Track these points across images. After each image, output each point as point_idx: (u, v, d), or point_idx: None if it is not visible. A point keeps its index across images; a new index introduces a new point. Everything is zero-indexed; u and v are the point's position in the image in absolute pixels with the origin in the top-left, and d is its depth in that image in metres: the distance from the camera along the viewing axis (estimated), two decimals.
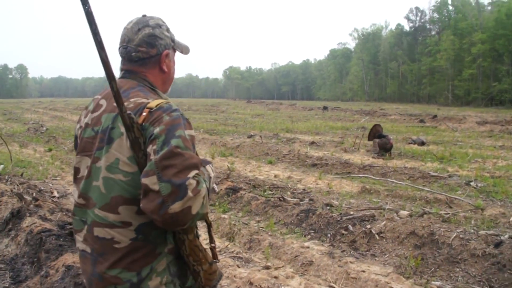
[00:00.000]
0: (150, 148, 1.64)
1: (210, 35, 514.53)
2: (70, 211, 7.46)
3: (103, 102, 1.92)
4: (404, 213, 6.35)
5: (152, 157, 1.61)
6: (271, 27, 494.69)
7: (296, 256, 5.16)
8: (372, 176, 9.18)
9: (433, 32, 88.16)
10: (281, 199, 7.37)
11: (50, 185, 9.58)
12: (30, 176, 10.31)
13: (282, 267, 5.06)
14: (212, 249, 1.95)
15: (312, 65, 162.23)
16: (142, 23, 1.95)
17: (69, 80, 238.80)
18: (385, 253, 5.17)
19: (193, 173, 1.60)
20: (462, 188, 8.58)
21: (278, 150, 13.37)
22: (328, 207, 7.03)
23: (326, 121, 29.12)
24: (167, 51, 2.01)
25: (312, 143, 16.16)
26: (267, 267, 5.01)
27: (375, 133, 13.55)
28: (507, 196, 7.88)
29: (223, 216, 6.97)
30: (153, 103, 1.75)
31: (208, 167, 1.95)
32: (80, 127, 1.96)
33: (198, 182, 1.60)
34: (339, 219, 6.09)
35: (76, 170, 1.92)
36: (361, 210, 6.86)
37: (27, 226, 5.47)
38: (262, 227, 6.42)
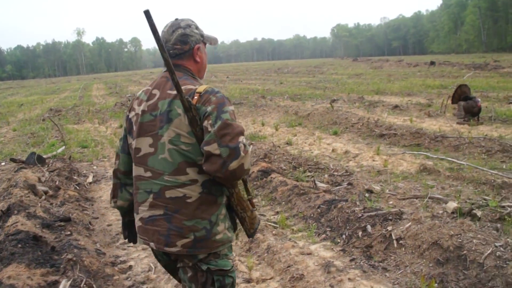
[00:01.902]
0: (206, 123, 2.11)
1: None
2: (89, 199, 7.04)
3: (155, 91, 2.32)
4: (452, 205, 5.08)
5: (210, 129, 2.08)
6: None
7: (288, 266, 4.18)
8: (428, 153, 7.73)
9: None
10: (312, 186, 6.34)
11: (95, 167, 9.27)
12: (82, 158, 10.10)
13: (269, 279, 4.12)
14: (250, 200, 2.41)
15: (424, 17, 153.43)
16: (175, 26, 2.39)
17: None
18: (400, 267, 4.01)
19: (241, 138, 2.10)
20: None
21: (348, 118, 12.10)
22: (366, 194, 5.92)
23: (426, 79, 26.78)
24: (198, 45, 2.43)
25: (396, 107, 14.61)
26: (248, 280, 4.11)
27: (461, 95, 11.75)
28: None
29: None
30: (200, 88, 2.23)
31: None
32: (136, 114, 2.36)
33: (245, 145, 2.10)
34: (360, 215, 4.96)
35: (137, 150, 2.31)
36: (402, 199, 5.67)
37: (8, 226, 5.00)
38: (272, 223, 5.47)
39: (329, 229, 5.08)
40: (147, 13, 1.98)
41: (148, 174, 2.27)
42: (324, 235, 5.00)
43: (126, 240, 2.76)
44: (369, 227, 4.71)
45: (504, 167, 7.13)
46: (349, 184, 6.41)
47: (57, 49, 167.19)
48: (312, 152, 9.11)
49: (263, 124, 12.84)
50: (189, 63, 2.43)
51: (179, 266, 2.33)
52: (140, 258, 4.86)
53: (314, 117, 13.12)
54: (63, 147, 11.09)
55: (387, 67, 47.34)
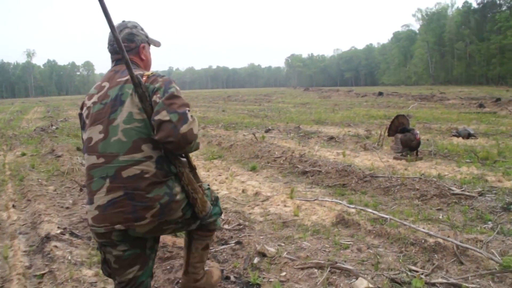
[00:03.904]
0: (155, 97, 2.34)
1: (272, 23, 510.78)
2: None
3: (105, 84, 2.56)
4: (361, 285, 3.55)
5: (159, 100, 2.31)
6: (333, 12, 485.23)
7: None
8: (344, 203, 6.18)
9: (504, 8, 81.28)
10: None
11: None
12: None
13: None
14: (200, 186, 2.56)
15: (375, 49, 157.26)
16: (122, 26, 2.69)
17: None
18: None
19: (188, 108, 2.33)
20: (496, 217, 5.57)
21: (271, 151, 10.57)
22: (256, 259, 4.34)
23: (371, 109, 25.86)
24: (143, 44, 2.74)
25: (331, 138, 13.25)
26: None
27: (398, 126, 10.44)
28: None
29: None
30: (147, 72, 2.51)
31: None
32: (88, 107, 2.54)
33: (191, 115, 2.34)
34: None
35: (89, 140, 2.45)
36: (301, 268, 4.11)
37: None
38: None
39: None
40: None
41: (101, 160, 2.37)
42: None
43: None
44: None
45: (440, 217, 5.70)
46: (238, 243, 4.81)
47: (6, 70, 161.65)
48: (218, 193, 7.49)
49: None
50: (136, 58, 2.68)
51: (162, 233, 2.56)
52: None
53: (236, 149, 11.53)
54: None
55: (335, 96, 46.74)
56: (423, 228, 5.08)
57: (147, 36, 2.76)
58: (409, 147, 9.89)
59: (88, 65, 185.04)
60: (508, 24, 71.08)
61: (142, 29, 2.74)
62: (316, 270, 4.05)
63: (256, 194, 7.26)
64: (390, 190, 6.89)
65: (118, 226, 2.31)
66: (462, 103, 28.31)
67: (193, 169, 2.56)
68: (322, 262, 4.18)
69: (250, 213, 6.19)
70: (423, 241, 4.67)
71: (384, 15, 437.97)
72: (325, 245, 4.85)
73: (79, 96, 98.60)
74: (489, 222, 5.40)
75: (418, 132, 9.95)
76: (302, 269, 4.13)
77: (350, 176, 7.79)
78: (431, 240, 4.67)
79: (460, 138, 12.59)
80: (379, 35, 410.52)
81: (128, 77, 2.41)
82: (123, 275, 2.53)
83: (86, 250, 5.02)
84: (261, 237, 5.08)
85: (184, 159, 2.50)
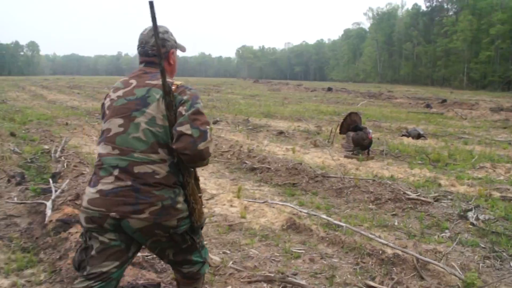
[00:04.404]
0: (181, 108, 2.39)
1: (224, 13, 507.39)
2: None
3: (132, 81, 2.59)
4: None
5: (184, 113, 2.37)
6: (285, 5, 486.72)
7: None
8: (296, 207, 5.76)
9: (451, 12, 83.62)
10: None
11: None
12: None
13: None
14: (200, 197, 2.62)
15: (326, 45, 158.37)
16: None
17: (81, 58, 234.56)
18: None
19: (208, 127, 2.41)
20: (453, 225, 5.30)
21: (218, 144, 10.07)
22: None
23: (320, 104, 25.73)
24: (173, 49, 2.77)
25: (281, 133, 12.87)
26: None
27: (350, 124, 10.14)
28: None
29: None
30: (177, 82, 2.54)
31: None
32: (111, 99, 2.58)
33: (210, 134, 2.41)
34: None
35: (107, 131, 2.49)
36: (248, 282, 3.64)
37: None
38: None
39: None
40: (151, 4, 2.19)
41: (116, 151, 2.42)
42: None
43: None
44: None
45: (396, 223, 5.39)
46: None
47: None
48: None
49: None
50: (165, 63, 2.57)
51: (145, 242, 2.48)
52: None
53: None
54: None
55: (285, 90, 46.55)
56: (380, 236, 4.74)
57: (175, 41, 2.80)
58: (361, 146, 9.62)
59: (33, 46, 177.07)
60: (454, 29, 72.92)
61: (171, 34, 2.79)
62: (265, 285, 3.61)
63: (202, 191, 6.74)
64: (343, 192, 6.54)
65: (113, 214, 2.33)
66: (410, 102, 28.64)
67: (196, 179, 2.62)
68: (272, 275, 3.74)
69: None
70: (380, 251, 4.30)
71: (336, 12, 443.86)
72: (275, 253, 4.41)
73: (22, 77, 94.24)
74: (447, 231, 5.13)
75: (370, 131, 9.69)
76: (250, 282, 3.68)
77: (300, 175, 7.40)
78: (389, 251, 4.31)
79: (410, 138, 12.48)
80: (330, 31, 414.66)
81: (157, 81, 2.49)
82: (97, 266, 2.44)
83: (6, 254, 4.36)
84: (205, 242, 4.58)
85: (192, 169, 2.56)
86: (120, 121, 2.46)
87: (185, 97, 2.43)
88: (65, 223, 4.85)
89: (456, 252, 4.53)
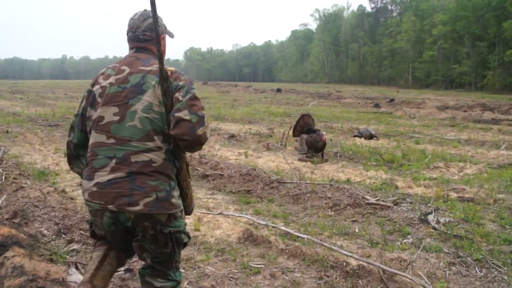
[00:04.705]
0: (178, 94, 2.39)
1: (171, 15, 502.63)
2: None
3: (124, 67, 2.54)
4: None
5: (181, 99, 2.36)
6: (233, 7, 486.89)
7: None
8: (254, 219, 5.44)
9: (395, 13, 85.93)
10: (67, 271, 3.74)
11: None
12: None
13: None
14: (189, 181, 2.65)
15: (273, 46, 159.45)
16: (145, 15, 2.66)
17: (24, 61, 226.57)
18: None
19: (204, 112, 2.41)
20: (414, 229, 5.14)
21: None
22: None
23: (270, 105, 25.59)
24: (163, 35, 2.73)
25: (232, 136, 12.57)
26: None
27: (303, 127, 9.96)
28: (492, 254, 4.48)
29: None
30: (170, 68, 2.47)
31: None
32: (102, 87, 2.52)
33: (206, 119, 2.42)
34: None
35: (100, 119, 2.44)
36: None
37: None
38: None
39: None
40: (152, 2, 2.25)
41: (111, 140, 2.39)
42: None
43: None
44: None
45: (357, 230, 5.18)
46: (128, 270, 3.91)
47: None
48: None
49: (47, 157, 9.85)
50: (155, 49, 2.59)
51: (137, 233, 2.43)
52: None
53: None
54: None
55: (234, 91, 46.35)
56: (342, 246, 4.52)
57: (165, 27, 2.78)
58: (315, 148, 9.44)
59: None
60: (398, 29, 74.84)
61: (161, 20, 2.72)
62: None
63: None
64: (300, 198, 6.30)
65: (110, 207, 2.34)
66: (359, 102, 28.95)
67: (187, 165, 2.62)
68: None
69: None
70: (344, 263, 4.06)
71: (283, 13, 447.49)
72: (233, 269, 4.10)
73: None
74: (409, 236, 4.95)
75: (324, 133, 9.52)
76: None
77: (255, 181, 7.12)
78: (353, 262, 4.08)
79: (363, 139, 12.44)
80: (277, 32, 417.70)
81: (152, 67, 2.49)
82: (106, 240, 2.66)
83: None
84: None
85: (184, 155, 2.56)
86: (115, 109, 2.42)
87: (180, 83, 2.43)
88: (1, 246, 4.38)
89: (421, 259, 4.35)
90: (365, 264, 3.98)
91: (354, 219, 5.54)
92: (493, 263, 4.25)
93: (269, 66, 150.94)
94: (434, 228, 5.08)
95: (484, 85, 54.91)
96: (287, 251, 4.46)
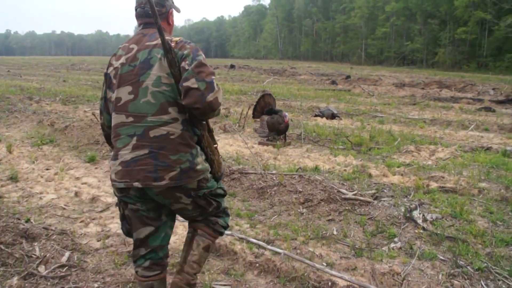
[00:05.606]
0: (184, 63, 2.35)
1: None
2: None
3: (133, 46, 2.53)
4: None
5: (188, 67, 2.32)
6: None
7: None
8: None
9: None
10: None
11: None
12: None
13: None
14: (216, 148, 2.64)
15: (226, 22, 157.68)
16: None
17: None
18: None
19: (214, 77, 2.36)
20: (400, 230, 4.46)
21: None
22: None
23: (225, 83, 24.63)
24: (171, 9, 2.71)
25: None
26: None
27: (264, 107, 9.14)
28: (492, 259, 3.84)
29: None
30: (175, 38, 2.49)
31: None
32: (115, 68, 2.53)
33: (216, 83, 2.37)
34: None
35: (118, 100, 2.46)
36: None
37: None
38: None
39: None
40: None
41: (130, 119, 2.41)
42: None
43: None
44: None
45: (334, 232, 4.45)
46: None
47: None
48: (41, 199, 5.52)
49: None
50: (164, 23, 2.61)
51: (172, 204, 2.49)
52: None
53: (73, 131, 9.34)
54: None
55: None
56: (320, 254, 3.77)
57: (173, 2, 2.75)
58: (277, 130, 8.68)
59: None
60: (352, 6, 74.64)
61: None
62: None
63: (93, 199, 5.45)
64: (266, 192, 5.50)
65: (136, 184, 2.34)
66: (314, 79, 28.38)
67: (210, 131, 2.61)
68: None
69: (82, 234, 4.40)
70: (329, 283, 3.32)
71: None
72: None
73: None
74: (396, 239, 4.26)
75: (286, 114, 8.75)
76: None
77: None
78: (340, 282, 3.34)
79: (324, 119, 11.78)
80: (230, 8, 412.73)
81: (157, 41, 2.45)
82: (138, 233, 2.55)
83: None
84: (96, 284, 3.36)
85: (204, 122, 2.53)
86: (129, 88, 2.44)
87: (185, 52, 2.39)
88: None
89: (415, 270, 3.66)
90: (356, 286, 3.25)
91: (330, 217, 4.81)
92: (497, 273, 3.62)
93: (222, 42, 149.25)
94: (424, 229, 4.42)
95: (435, 62, 55.51)
96: (257, 265, 3.67)
